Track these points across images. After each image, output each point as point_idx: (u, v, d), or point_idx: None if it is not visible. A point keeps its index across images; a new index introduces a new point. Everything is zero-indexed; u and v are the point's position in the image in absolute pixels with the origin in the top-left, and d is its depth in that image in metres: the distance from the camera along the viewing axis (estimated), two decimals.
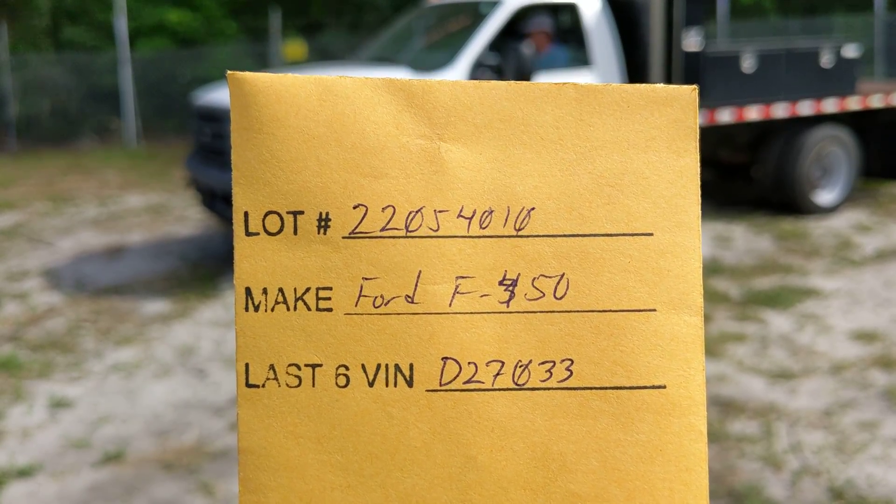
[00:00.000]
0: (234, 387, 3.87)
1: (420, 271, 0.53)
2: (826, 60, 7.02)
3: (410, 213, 0.53)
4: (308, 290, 0.54)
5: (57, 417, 3.63)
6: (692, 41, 6.25)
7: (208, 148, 5.85)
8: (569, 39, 6.43)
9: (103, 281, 5.81)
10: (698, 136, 0.55)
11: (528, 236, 0.53)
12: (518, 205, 0.53)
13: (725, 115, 6.60)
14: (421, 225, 0.53)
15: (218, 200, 5.69)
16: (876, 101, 7.31)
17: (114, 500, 2.97)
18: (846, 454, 3.12)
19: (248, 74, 0.54)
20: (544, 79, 5.88)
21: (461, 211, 0.53)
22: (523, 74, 5.62)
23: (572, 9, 6.40)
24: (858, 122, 7.61)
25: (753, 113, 6.73)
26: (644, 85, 0.54)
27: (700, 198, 0.55)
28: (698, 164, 0.55)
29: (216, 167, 5.69)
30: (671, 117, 0.54)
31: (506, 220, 0.53)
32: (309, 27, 16.61)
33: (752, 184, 7.55)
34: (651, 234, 0.54)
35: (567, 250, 0.54)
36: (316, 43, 15.28)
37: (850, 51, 7.22)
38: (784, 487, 2.92)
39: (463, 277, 0.53)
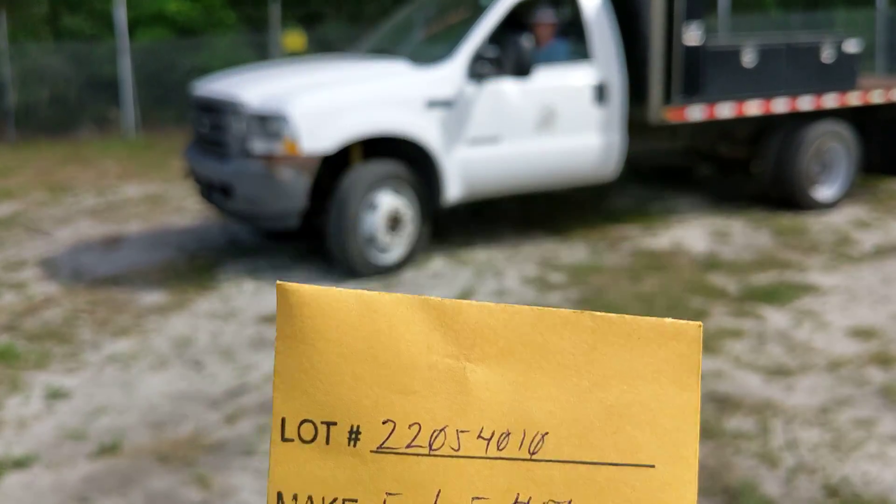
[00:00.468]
0: (230, 379, 3.88)
1: (439, 490, 0.56)
2: (827, 55, 6.94)
3: (434, 431, 0.56)
4: (335, 500, 0.56)
5: (53, 408, 3.63)
6: (692, 35, 6.14)
7: (207, 139, 5.81)
8: (569, 32, 6.33)
9: (101, 271, 5.80)
10: (700, 371, 0.57)
11: (540, 461, 0.56)
12: (533, 429, 0.56)
13: (725, 110, 6.54)
14: (444, 444, 0.56)
15: (216, 191, 5.66)
16: (876, 97, 7.29)
17: (109, 491, 2.97)
18: (842, 452, 3.12)
19: (294, 286, 0.57)
20: (544, 72, 5.91)
21: (481, 432, 0.56)
22: (522, 68, 5.55)
23: (572, 1, 6.32)
24: (859, 118, 7.58)
25: (753, 108, 6.68)
26: (654, 319, 0.56)
27: (698, 432, 0.57)
28: (699, 398, 0.57)
29: (214, 158, 5.66)
30: (677, 351, 0.57)
31: (521, 443, 0.56)
32: (309, 17, 16.55)
33: (751, 178, 7.54)
34: (653, 466, 0.56)
35: (576, 477, 0.56)
36: (316, 33, 15.23)
37: (851, 46, 7.18)
38: (779, 485, 2.92)
39: (478, 498, 0.56)
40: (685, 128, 6.91)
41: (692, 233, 6.49)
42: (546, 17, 6.28)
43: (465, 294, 5.09)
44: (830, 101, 7.00)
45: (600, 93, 6.05)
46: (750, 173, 7.53)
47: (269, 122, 5.22)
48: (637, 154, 6.81)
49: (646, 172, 8.47)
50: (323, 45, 14.90)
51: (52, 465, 3.14)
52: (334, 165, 5.57)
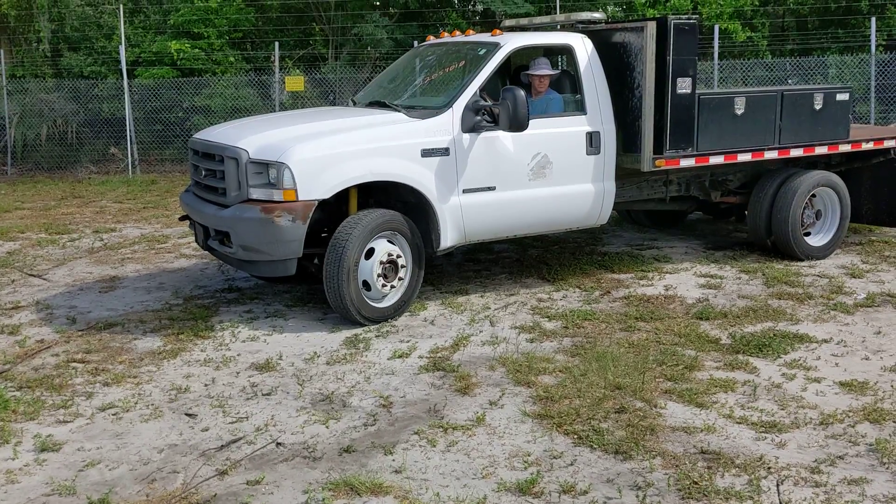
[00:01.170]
0: (222, 430, 3.87)
1: None
2: (818, 104, 7.03)
3: None
4: None
5: (43, 461, 3.61)
6: (685, 84, 6.19)
7: (204, 185, 5.86)
8: (562, 83, 6.42)
9: (96, 315, 5.80)
10: None
11: None
12: None
13: (717, 159, 6.59)
14: None
15: (213, 238, 5.69)
16: (867, 146, 7.35)
17: None
18: None
19: None
20: (539, 122, 5.90)
21: None
22: (519, 123, 5.59)
23: (568, 51, 6.38)
24: (851, 166, 7.66)
25: (745, 156, 6.73)
26: None
27: None
28: None
29: (212, 204, 5.69)
30: None
31: None
32: (309, 59, 16.73)
33: (744, 226, 7.54)
34: None
35: None
36: (316, 74, 15.38)
37: (843, 95, 7.26)
38: None
39: None
40: (678, 175, 6.96)
41: (685, 280, 6.51)
42: (541, 68, 6.37)
43: (459, 342, 5.10)
44: (822, 149, 7.07)
45: (592, 142, 6.13)
46: (743, 220, 7.54)
47: (266, 169, 5.28)
48: (630, 201, 6.88)
49: (641, 217, 8.55)
50: (322, 86, 15.04)
51: None
52: (331, 212, 5.60)
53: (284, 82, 14.49)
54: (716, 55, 15.42)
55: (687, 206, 7.68)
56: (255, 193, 5.32)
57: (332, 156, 5.35)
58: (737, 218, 7.80)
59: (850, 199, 7.41)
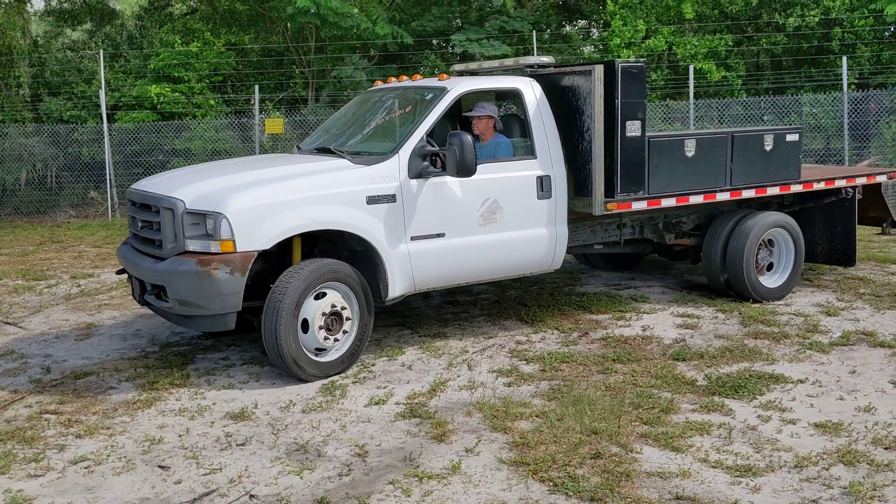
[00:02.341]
0: (195, 483, 3.82)
1: None
2: (769, 145, 7.03)
3: None
4: None
5: None
6: (634, 127, 6.11)
7: (141, 237, 5.63)
8: (511, 127, 6.33)
9: (71, 365, 5.75)
10: None
11: None
12: None
13: (668, 201, 6.55)
14: None
15: (149, 293, 5.41)
16: (819, 186, 7.38)
17: None
18: None
19: None
20: (488, 167, 5.82)
21: None
22: (465, 164, 5.46)
23: (516, 95, 6.28)
24: (804, 207, 7.70)
25: (697, 198, 6.68)
26: None
27: None
28: None
29: (148, 257, 5.44)
30: None
31: None
32: (288, 101, 16.84)
33: (700, 268, 7.49)
34: None
35: None
36: (296, 117, 15.48)
37: (792, 135, 7.22)
38: None
39: None
40: (632, 218, 6.96)
41: (663, 320, 6.55)
42: (491, 111, 6.29)
43: (436, 387, 5.09)
44: (774, 190, 7.12)
45: (543, 186, 6.07)
46: (698, 263, 7.54)
47: (204, 220, 5.10)
48: (584, 245, 6.85)
49: (596, 260, 8.55)
50: (303, 128, 15.12)
51: None
52: (275, 263, 5.48)
53: (265, 124, 14.58)
54: (691, 94, 15.66)
55: (642, 249, 7.64)
56: (192, 245, 5.12)
57: (271, 205, 5.17)
58: (692, 260, 7.69)
59: (805, 239, 7.43)
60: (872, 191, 7.96)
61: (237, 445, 4.30)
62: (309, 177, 5.47)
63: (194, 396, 5.06)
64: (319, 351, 5.32)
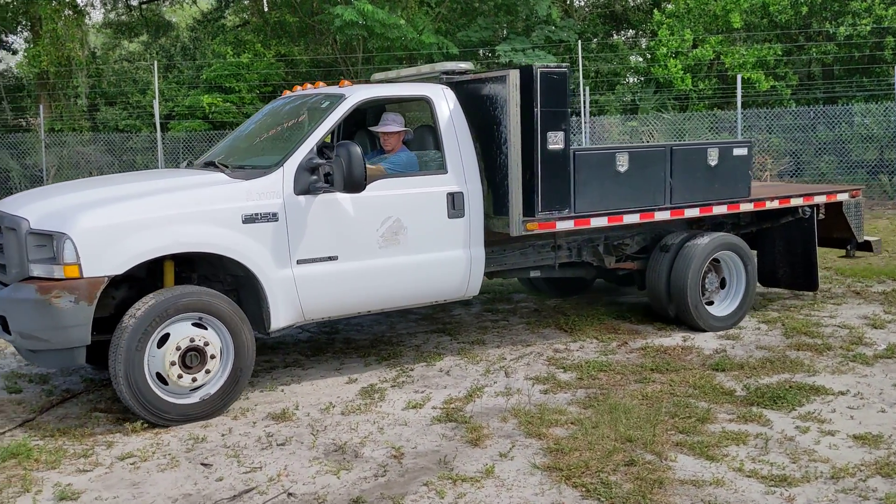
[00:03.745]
0: (236, 481, 3.94)
1: None
2: (713, 160, 6.46)
3: None
4: None
5: None
6: (556, 138, 5.54)
7: None
8: (426, 139, 5.78)
9: None
10: None
11: None
12: None
13: (600, 220, 5.98)
14: None
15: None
16: (772, 204, 6.80)
17: None
18: None
19: None
20: (391, 184, 5.36)
21: None
22: (353, 178, 4.96)
23: (427, 104, 5.71)
24: (760, 227, 7.20)
25: (633, 216, 6.13)
26: None
27: None
28: None
29: None
30: None
31: None
32: None
33: (644, 293, 6.93)
34: None
35: None
36: None
37: (740, 149, 6.66)
38: None
39: None
40: (567, 240, 6.39)
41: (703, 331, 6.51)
42: (396, 122, 5.82)
43: (473, 392, 5.15)
44: (720, 208, 6.56)
45: (455, 204, 5.54)
46: (644, 288, 6.88)
47: (50, 241, 4.49)
48: (513, 269, 6.29)
49: (541, 284, 7.90)
50: None
51: None
52: (145, 290, 4.87)
53: None
54: (739, 104, 15.51)
55: (584, 273, 6.92)
56: (37, 270, 4.50)
57: (126, 224, 4.55)
58: (638, 286, 7.00)
59: (765, 262, 7.11)
60: (836, 210, 7.36)
61: (277, 445, 4.41)
62: (175, 193, 4.88)
63: (238, 399, 5.18)
64: (177, 392, 4.69)
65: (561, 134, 5.60)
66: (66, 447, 4.41)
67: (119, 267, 4.51)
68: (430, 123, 5.76)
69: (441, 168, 5.58)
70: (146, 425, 4.67)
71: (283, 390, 5.33)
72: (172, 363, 4.62)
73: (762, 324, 6.70)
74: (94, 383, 5.56)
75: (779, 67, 17.19)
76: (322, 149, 5.15)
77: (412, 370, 5.69)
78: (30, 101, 18.12)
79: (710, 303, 6.62)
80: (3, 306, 4.62)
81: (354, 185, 5.00)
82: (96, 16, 21.47)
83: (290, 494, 3.82)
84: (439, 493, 3.80)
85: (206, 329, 4.75)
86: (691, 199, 6.42)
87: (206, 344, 4.72)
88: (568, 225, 5.84)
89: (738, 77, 15.71)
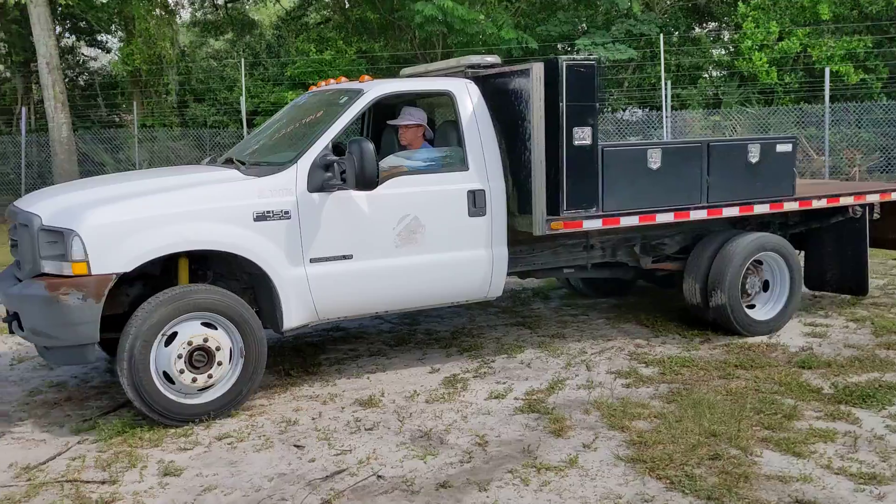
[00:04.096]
0: (328, 462, 4.10)
1: None
2: (754, 157, 6.18)
3: None
4: None
5: (165, 484, 3.93)
6: (583, 134, 5.34)
7: (15, 259, 5.08)
8: (449, 135, 5.63)
9: None
10: None
11: None
12: None
13: (631, 219, 5.76)
14: None
15: (5, 319, 4.88)
16: (818, 203, 6.46)
17: None
18: None
19: None
20: (409, 181, 5.24)
21: None
22: (365, 176, 4.83)
23: (449, 99, 5.57)
24: (808, 227, 6.87)
25: (666, 216, 5.89)
26: None
27: None
28: None
29: (13, 280, 4.88)
30: None
31: None
32: None
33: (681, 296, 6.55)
34: None
35: None
36: None
37: (784, 146, 6.36)
38: None
39: None
40: (601, 239, 6.18)
41: (790, 328, 6.42)
42: (417, 116, 5.71)
43: (554, 385, 5.21)
44: (762, 208, 6.28)
45: (476, 202, 5.39)
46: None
47: (61, 238, 4.47)
48: (543, 269, 6.12)
49: (579, 284, 7.76)
50: None
51: None
52: (159, 286, 4.80)
53: None
54: (826, 98, 15.08)
55: (622, 274, 6.66)
56: (48, 267, 4.51)
57: (134, 221, 4.53)
58: (679, 288, 6.57)
59: (813, 264, 6.82)
60: (893, 210, 7.02)
61: (365, 430, 4.56)
62: (186, 190, 4.85)
63: (325, 384, 5.37)
64: (185, 392, 4.65)
65: (588, 129, 5.41)
66: (166, 427, 4.65)
67: (127, 264, 4.48)
68: (453, 119, 5.63)
69: (462, 165, 5.42)
70: (243, 407, 4.89)
71: (368, 378, 5.49)
72: (178, 364, 4.57)
73: (851, 322, 6.55)
74: None
75: (869, 60, 16.63)
76: (339, 145, 5.16)
77: (493, 362, 5.78)
78: (123, 98, 18.89)
79: (752, 306, 6.34)
80: (16, 303, 4.65)
81: (366, 182, 4.86)
82: (184, 15, 22.20)
83: (379, 476, 3.96)
84: (524, 480, 3.88)
85: (215, 329, 4.69)
86: (730, 197, 6.15)
87: (215, 346, 4.65)
88: (595, 224, 5.65)
89: (826, 70, 15.26)
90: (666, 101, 15.80)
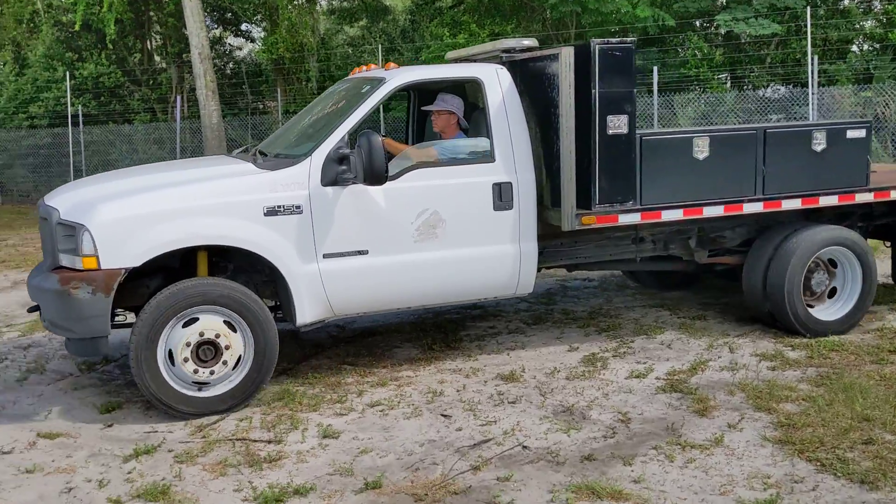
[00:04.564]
0: (474, 431, 4.27)
1: None
2: (819, 144, 5.69)
3: None
4: None
5: (325, 445, 4.21)
6: (618, 123, 5.04)
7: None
8: (481, 125, 5.37)
9: (360, 326, 6.51)
10: None
11: None
12: None
13: (673, 212, 5.44)
14: None
15: (30, 310, 5.07)
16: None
17: None
18: None
19: None
20: (428, 174, 5.05)
21: None
22: (374, 169, 4.69)
23: (478, 86, 5.32)
24: (893, 218, 6.32)
25: (715, 209, 5.53)
26: None
27: None
28: None
29: (39, 272, 4.96)
30: None
31: None
32: None
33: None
34: None
35: None
36: None
37: (856, 131, 5.82)
38: None
39: None
40: (651, 232, 5.85)
41: None
42: (451, 104, 5.49)
43: (696, 366, 5.19)
44: (828, 200, 5.79)
45: (502, 195, 5.14)
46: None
47: (71, 233, 4.55)
48: (588, 262, 5.86)
49: (643, 277, 7.37)
50: None
51: (326, 496, 3.67)
52: (178, 278, 4.79)
53: None
54: None
55: (671, 267, 6.28)
56: (64, 260, 4.60)
57: (143, 216, 4.55)
58: (740, 282, 6.15)
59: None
60: None
61: (508, 403, 4.71)
62: (196, 184, 4.86)
63: (467, 359, 5.55)
64: (201, 385, 4.65)
65: (624, 118, 5.07)
66: (323, 394, 4.95)
67: (136, 259, 4.50)
68: (482, 107, 5.35)
69: (489, 156, 5.18)
70: (392, 378, 5.14)
71: (508, 354, 5.63)
72: (185, 358, 4.57)
73: None
74: (339, 339, 6.15)
75: None
76: (364, 135, 4.97)
77: (633, 342, 5.79)
78: (266, 86, 19.74)
79: (819, 304, 5.87)
80: (36, 294, 4.81)
81: (375, 177, 4.73)
82: (322, 3, 22.94)
83: (524, 447, 4.10)
84: (669, 456, 3.92)
85: (221, 323, 4.64)
86: (791, 188, 5.69)
87: (219, 336, 4.62)
88: (633, 219, 5.35)
89: None
90: (812, 78, 15.08)
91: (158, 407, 4.62)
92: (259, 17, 20.65)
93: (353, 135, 4.97)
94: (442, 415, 4.57)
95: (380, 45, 16.68)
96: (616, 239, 5.80)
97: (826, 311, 5.87)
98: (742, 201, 5.59)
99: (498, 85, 5.25)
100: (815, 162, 5.72)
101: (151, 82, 19.67)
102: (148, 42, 20.61)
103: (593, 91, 5.01)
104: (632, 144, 5.17)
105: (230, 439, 4.31)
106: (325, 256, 4.84)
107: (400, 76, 5.24)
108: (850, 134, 5.81)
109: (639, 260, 5.98)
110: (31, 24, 17.65)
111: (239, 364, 4.70)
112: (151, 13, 20.04)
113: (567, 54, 5.02)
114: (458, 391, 4.93)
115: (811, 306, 5.80)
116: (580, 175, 5.14)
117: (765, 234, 5.97)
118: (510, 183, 5.16)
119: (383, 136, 5.27)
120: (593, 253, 5.78)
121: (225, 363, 4.63)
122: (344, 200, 4.85)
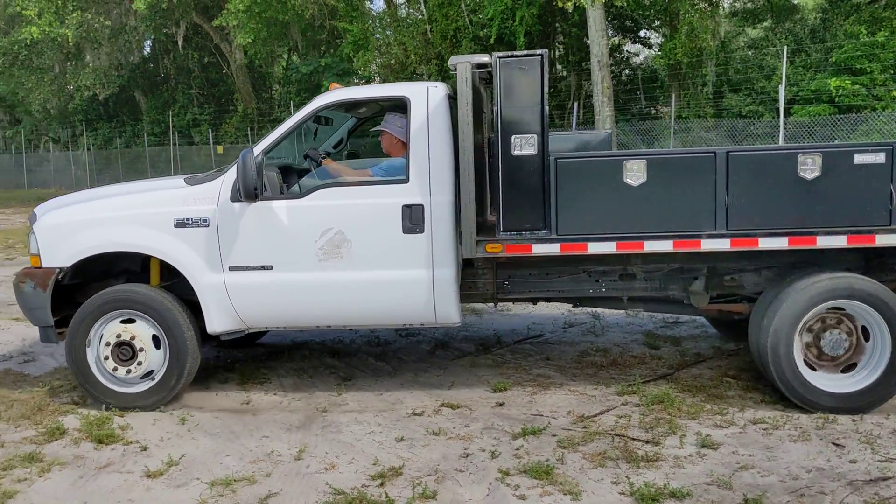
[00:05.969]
0: (870, 466, 3.93)
1: None
2: (812, 170, 4.51)
3: None
4: None
5: (703, 455, 4.18)
6: (525, 142, 4.54)
7: None
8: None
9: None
10: None
11: None
12: None
13: (603, 245, 4.70)
14: None
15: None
16: None
17: None
18: None
19: None
20: (331, 193, 4.95)
21: None
22: (244, 186, 4.76)
23: (405, 105, 5.00)
24: None
25: (661, 244, 4.65)
26: None
27: None
28: None
29: None
30: None
31: None
32: None
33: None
34: None
35: None
36: None
37: (868, 156, 4.50)
38: None
39: None
40: (643, 268, 5.12)
41: None
42: (386, 125, 5.32)
43: None
44: (830, 241, 4.60)
45: (412, 218, 4.83)
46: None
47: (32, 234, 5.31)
48: (554, 297, 5.31)
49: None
50: None
51: None
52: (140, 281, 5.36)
53: None
54: None
55: (670, 310, 5.44)
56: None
57: (73, 223, 5.16)
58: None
59: None
60: None
61: None
62: (125, 197, 5.36)
63: None
64: (119, 382, 5.14)
65: (533, 137, 4.60)
66: (703, 403, 4.91)
67: (66, 261, 5.11)
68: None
69: (404, 177, 4.94)
70: (775, 398, 4.92)
71: None
72: (105, 357, 5.09)
73: None
74: (722, 351, 6.01)
75: None
76: (307, 155, 5.26)
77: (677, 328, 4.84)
78: (661, 91, 19.75)
79: (832, 373, 4.76)
80: None
81: (245, 194, 4.81)
82: (724, 5, 22.30)
83: None
84: None
85: (138, 325, 5.07)
86: (768, 223, 4.63)
87: (133, 338, 5.06)
88: (551, 249, 4.74)
89: None
90: None
91: (95, 399, 5.17)
92: (659, 23, 20.71)
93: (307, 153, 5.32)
94: (833, 443, 4.27)
95: (785, 47, 15.77)
96: (597, 274, 5.26)
97: (841, 381, 4.75)
98: (699, 236, 4.69)
99: (425, 104, 5.00)
100: (808, 192, 4.61)
101: (551, 90, 20.80)
102: (552, 52, 21.82)
103: (494, 108, 4.67)
104: (542, 168, 4.68)
105: (610, 433, 4.48)
106: (230, 269, 5.04)
107: (324, 98, 5.21)
108: (860, 159, 4.57)
109: (626, 300, 5.36)
110: (454, 40, 19.63)
111: (155, 365, 5.12)
112: (557, 24, 21.15)
113: (464, 69, 4.64)
114: (853, 421, 4.56)
115: (814, 369, 4.76)
116: (479, 200, 4.78)
117: (776, 280, 5.04)
118: (421, 205, 4.90)
119: (324, 156, 5.39)
120: (570, 287, 5.31)
121: (140, 364, 5.10)
122: (249, 216, 4.99)
